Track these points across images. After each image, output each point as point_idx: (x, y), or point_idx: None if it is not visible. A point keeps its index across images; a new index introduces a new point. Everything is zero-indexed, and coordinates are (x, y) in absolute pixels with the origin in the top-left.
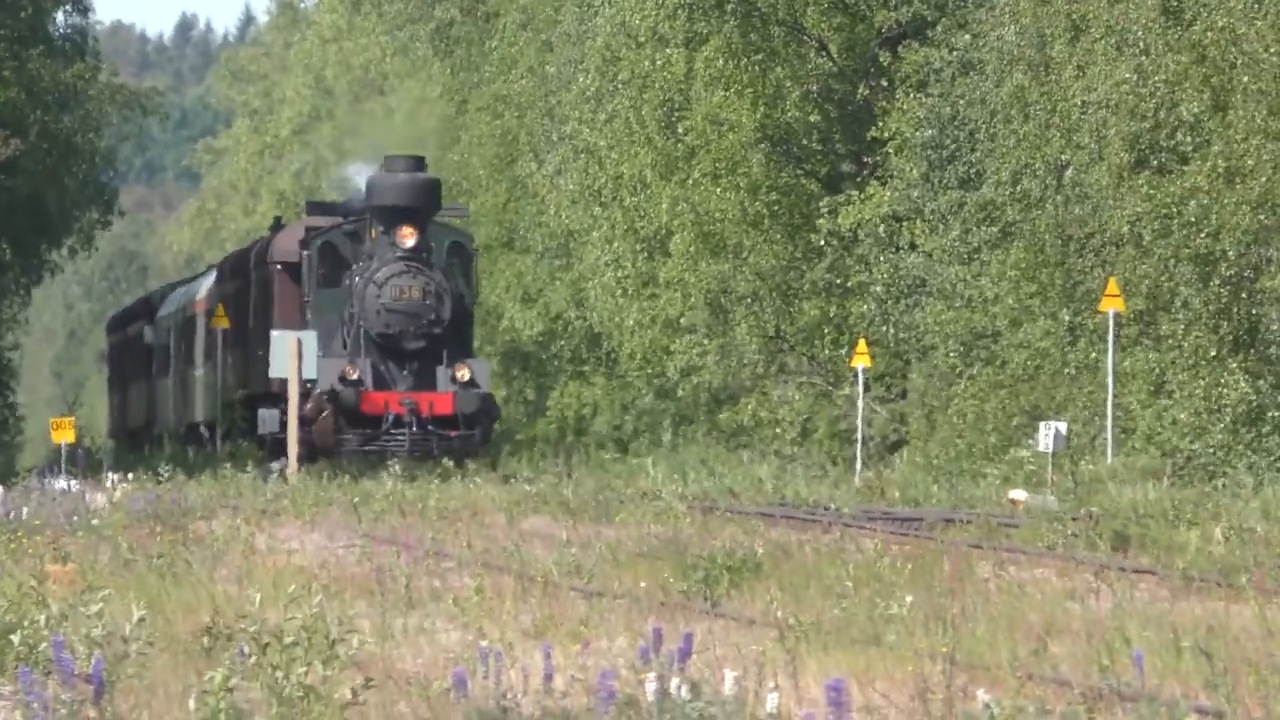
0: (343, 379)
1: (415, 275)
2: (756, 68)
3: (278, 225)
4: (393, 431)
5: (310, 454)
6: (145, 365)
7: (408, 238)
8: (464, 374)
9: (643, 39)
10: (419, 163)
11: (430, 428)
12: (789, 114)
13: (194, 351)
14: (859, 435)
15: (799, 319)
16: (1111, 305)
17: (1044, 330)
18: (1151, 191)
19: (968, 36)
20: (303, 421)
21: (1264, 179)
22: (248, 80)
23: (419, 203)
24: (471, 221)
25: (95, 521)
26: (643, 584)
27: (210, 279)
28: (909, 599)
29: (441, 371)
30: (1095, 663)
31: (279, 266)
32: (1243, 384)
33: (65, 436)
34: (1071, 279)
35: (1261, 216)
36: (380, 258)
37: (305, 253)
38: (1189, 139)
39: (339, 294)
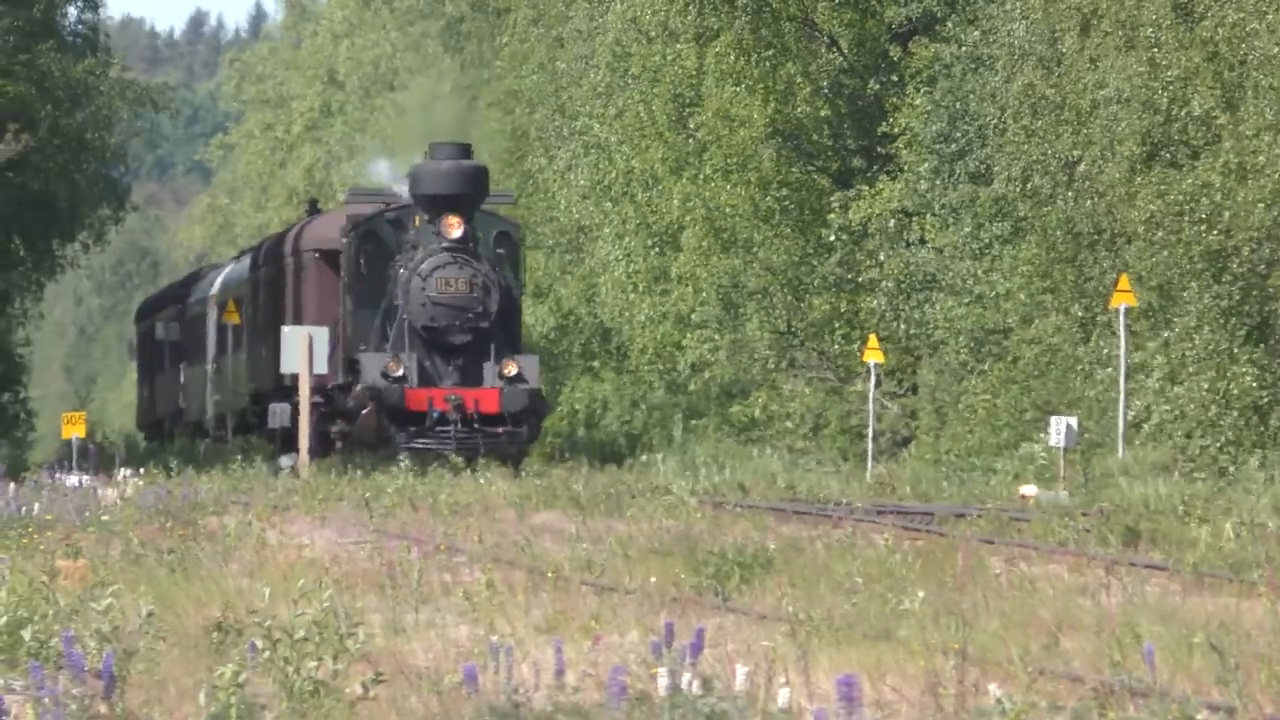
0: (386, 374)
1: (461, 266)
2: (767, 63)
3: (314, 210)
4: (438, 429)
5: (322, 448)
6: (170, 355)
7: (454, 228)
8: (511, 369)
9: (653, 34)
10: (465, 150)
11: (476, 425)
12: (800, 109)
13: (224, 340)
14: (870, 430)
15: (809, 314)
16: (1123, 300)
17: (1055, 325)
18: (1163, 188)
19: (978, 32)
20: (345, 418)
21: (1276, 175)
22: (256, 80)
23: (465, 191)
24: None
25: (106, 517)
26: (654, 579)
27: (237, 266)
28: (920, 594)
29: (489, 366)
30: (1107, 658)
31: (316, 254)
32: (1249, 379)
33: (76, 431)
34: (1083, 274)
35: (1274, 213)
36: (425, 248)
37: (345, 240)
38: (1200, 134)
39: (381, 284)
